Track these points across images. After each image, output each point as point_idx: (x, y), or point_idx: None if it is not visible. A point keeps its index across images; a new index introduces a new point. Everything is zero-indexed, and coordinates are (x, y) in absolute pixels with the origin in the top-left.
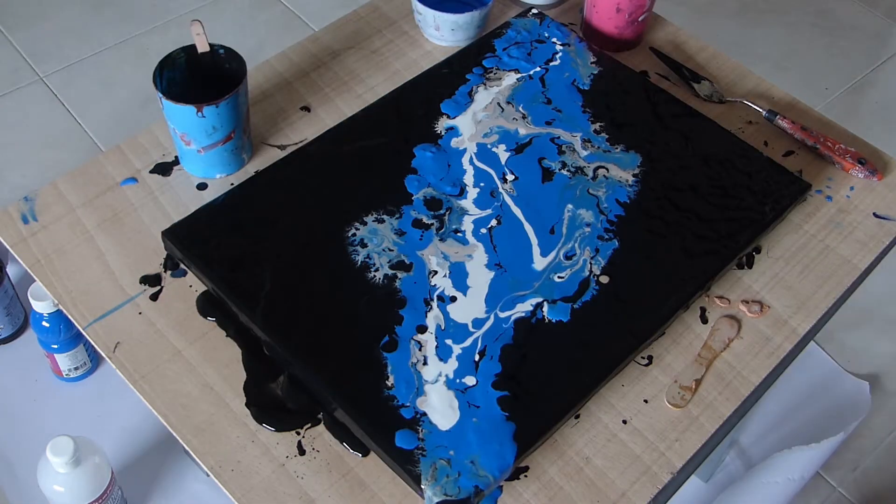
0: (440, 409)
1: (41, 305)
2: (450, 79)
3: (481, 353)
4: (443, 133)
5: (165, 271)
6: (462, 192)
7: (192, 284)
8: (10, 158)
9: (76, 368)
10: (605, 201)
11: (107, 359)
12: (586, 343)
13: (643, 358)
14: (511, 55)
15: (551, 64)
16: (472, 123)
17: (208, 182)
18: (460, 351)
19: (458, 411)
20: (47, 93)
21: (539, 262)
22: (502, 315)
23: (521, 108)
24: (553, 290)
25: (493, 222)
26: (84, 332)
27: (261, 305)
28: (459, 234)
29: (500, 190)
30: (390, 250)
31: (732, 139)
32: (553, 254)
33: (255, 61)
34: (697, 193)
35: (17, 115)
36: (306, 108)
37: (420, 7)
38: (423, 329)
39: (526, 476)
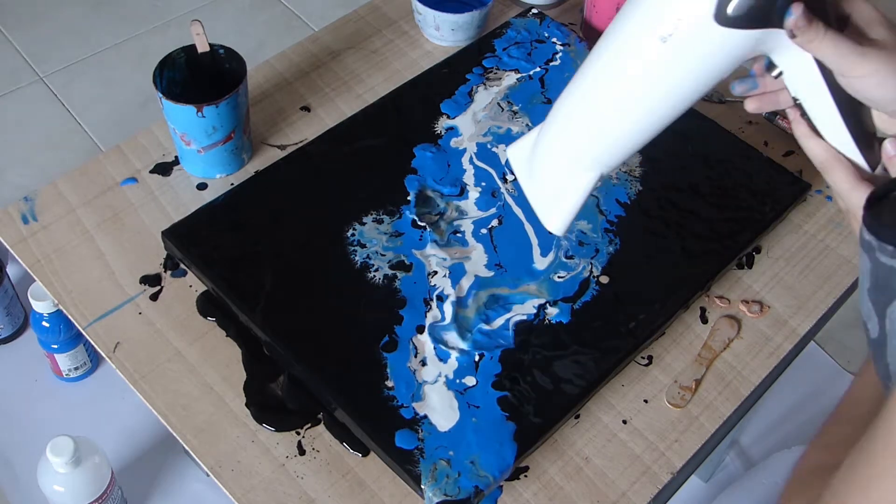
0: (440, 409)
1: (41, 305)
2: (450, 79)
3: (481, 354)
4: (442, 133)
5: (165, 271)
6: (462, 192)
7: (192, 284)
8: (10, 158)
9: (76, 368)
10: (605, 202)
11: (107, 359)
12: (586, 343)
13: (643, 358)
14: (511, 55)
15: (551, 64)
16: (471, 123)
17: (208, 182)
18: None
19: (457, 412)
20: (47, 93)
21: (539, 263)
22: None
23: (520, 109)
24: (553, 291)
25: (494, 222)
26: (84, 332)
27: (261, 305)
28: (458, 235)
29: (501, 190)
30: (390, 250)
31: (732, 139)
32: (553, 254)
33: (255, 61)
34: (697, 193)
35: (17, 115)
36: (306, 108)
37: (420, 7)
38: (422, 329)
39: (526, 476)
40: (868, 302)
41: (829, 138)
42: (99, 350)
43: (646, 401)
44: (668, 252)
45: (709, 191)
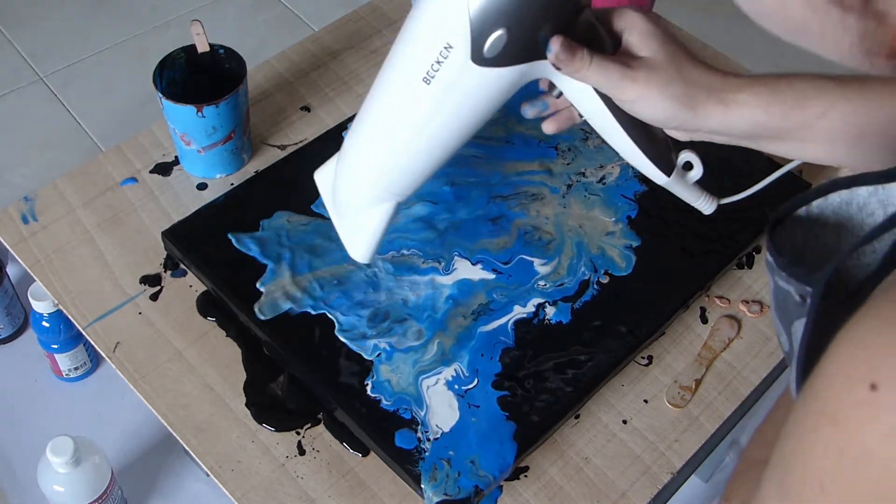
0: (440, 409)
1: (41, 305)
2: None
3: (481, 354)
4: None
5: (165, 271)
6: None
7: (192, 284)
8: (10, 158)
9: (76, 368)
10: (606, 202)
11: (107, 359)
12: (586, 343)
13: (643, 358)
14: None
15: None
16: None
17: (208, 182)
18: None
19: (457, 411)
20: (47, 93)
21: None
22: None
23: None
24: (553, 291)
25: None
26: (84, 332)
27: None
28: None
29: None
30: (392, 250)
31: None
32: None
33: (255, 61)
34: None
35: (17, 115)
36: (306, 108)
37: None
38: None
39: (526, 476)
40: (776, 319)
41: (620, 153)
42: (99, 350)
43: (646, 401)
44: (669, 252)
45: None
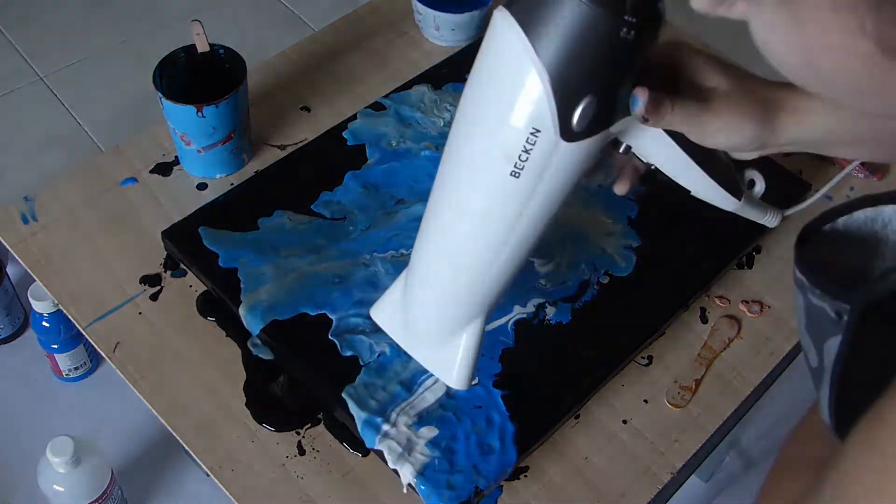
0: (440, 409)
1: (41, 305)
2: (450, 79)
3: (482, 354)
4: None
5: (165, 271)
6: None
7: (192, 284)
8: (10, 158)
9: (76, 368)
10: (606, 201)
11: (107, 359)
12: (586, 343)
13: (643, 358)
14: None
15: None
16: None
17: (208, 182)
18: None
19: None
20: (47, 93)
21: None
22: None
23: None
24: (553, 291)
25: None
26: (84, 332)
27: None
28: None
29: None
30: (392, 249)
31: None
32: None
33: (255, 61)
34: None
35: (17, 115)
36: (306, 108)
37: (420, 7)
38: None
39: (526, 476)
40: (807, 336)
41: (693, 189)
42: (99, 350)
43: (646, 401)
44: (669, 252)
45: None
